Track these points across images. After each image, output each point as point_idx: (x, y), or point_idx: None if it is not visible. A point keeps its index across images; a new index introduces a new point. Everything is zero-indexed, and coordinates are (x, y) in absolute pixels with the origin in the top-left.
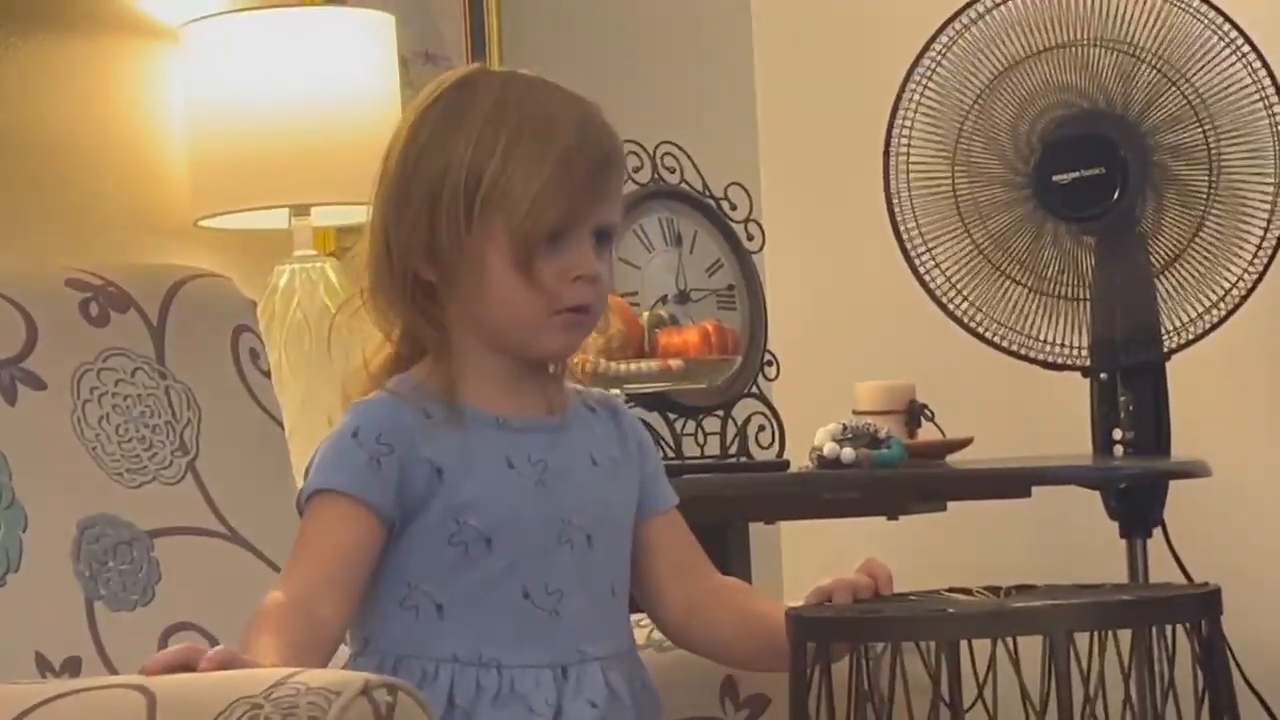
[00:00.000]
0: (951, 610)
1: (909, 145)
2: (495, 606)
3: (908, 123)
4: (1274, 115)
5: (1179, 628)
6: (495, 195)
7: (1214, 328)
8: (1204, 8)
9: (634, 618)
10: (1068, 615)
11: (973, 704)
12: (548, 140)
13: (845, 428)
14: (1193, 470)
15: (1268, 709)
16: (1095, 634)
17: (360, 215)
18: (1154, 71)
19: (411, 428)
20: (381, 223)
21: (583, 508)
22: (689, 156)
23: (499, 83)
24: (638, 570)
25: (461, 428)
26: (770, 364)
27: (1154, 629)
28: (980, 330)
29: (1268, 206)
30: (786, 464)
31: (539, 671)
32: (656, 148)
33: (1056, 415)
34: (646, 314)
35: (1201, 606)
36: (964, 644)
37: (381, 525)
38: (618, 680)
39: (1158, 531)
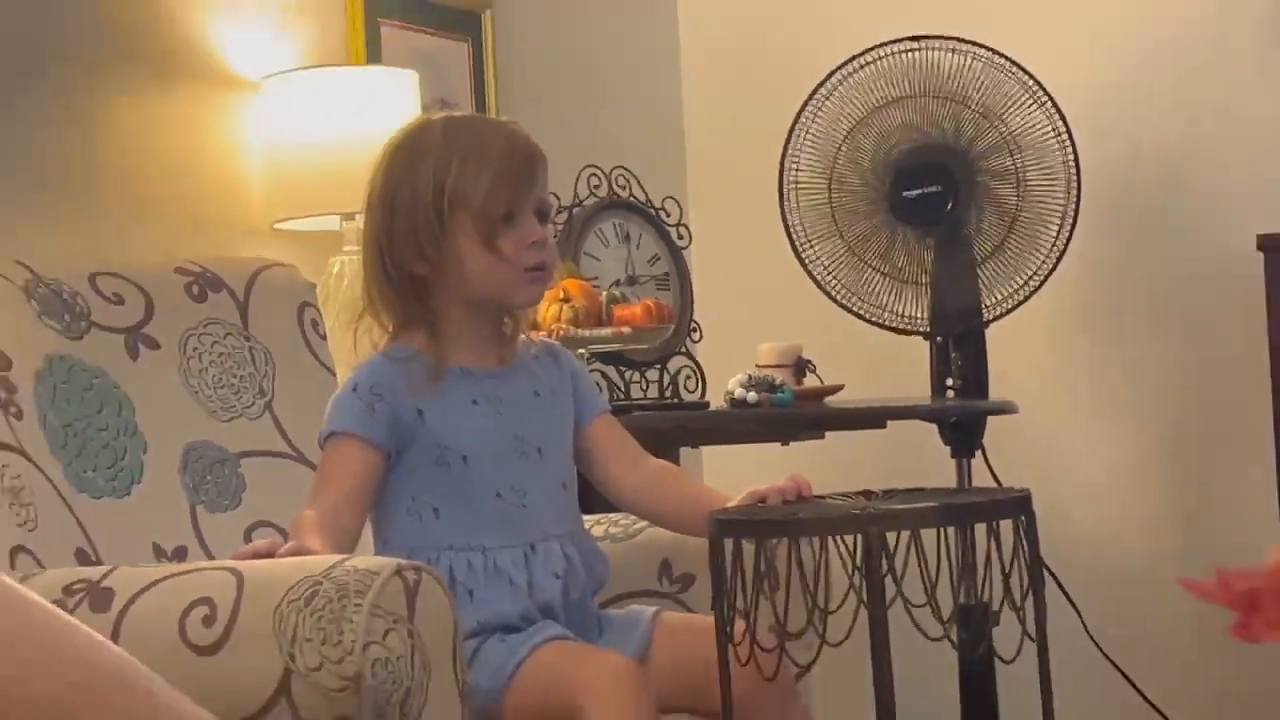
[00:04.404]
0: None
1: (797, 168)
2: (477, 506)
3: (797, 151)
4: (1065, 147)
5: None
6: (457, 199)
7: (1021, 304)
8: (1014, 68)
9: (587, 518)
10: (917, 515)
11: (892, 600)
12: (485, 151)
13: (750, 377)
14: (1004, 408)
15: (1062, 589)
16: (942, 530)
17: None
18: (978, 115)
19: (397, 381)
20: (376, 243)
21: (532, 429)
22: (635, 177)
23: (440, 123)
24: (592, 463)
25: (437, 378)
26: (695, 330)
27: (975, 525)
28: (849, 305)
29: (1059, 214)
30: (707, 404)
31: (513, 550)
32: (612, 170)
33: (905, 368)
34: (604, 293)
35: (1020, 506)
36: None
37: (381, 455)
38: (573, 551)
39: (979, 453)
